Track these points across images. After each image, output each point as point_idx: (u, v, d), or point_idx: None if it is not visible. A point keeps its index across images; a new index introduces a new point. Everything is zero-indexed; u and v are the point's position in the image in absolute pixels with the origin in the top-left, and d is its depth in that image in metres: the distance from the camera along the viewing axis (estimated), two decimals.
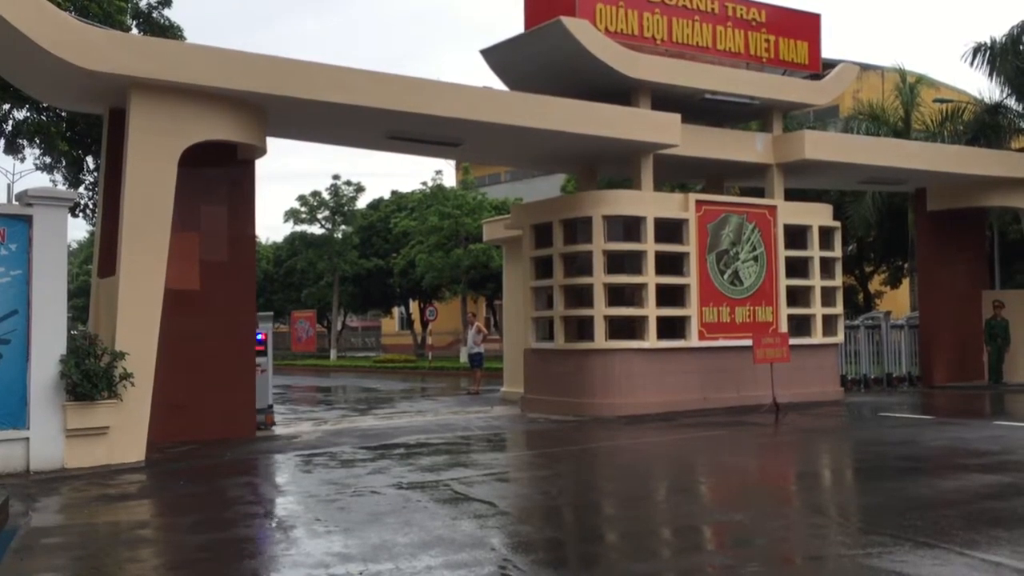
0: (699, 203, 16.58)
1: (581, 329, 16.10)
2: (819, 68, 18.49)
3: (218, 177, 13.98)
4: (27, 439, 10.91)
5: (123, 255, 11.92)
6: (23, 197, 11.21)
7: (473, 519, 7.69)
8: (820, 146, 17.79)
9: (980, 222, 22.86)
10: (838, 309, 18.24)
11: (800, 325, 17.72)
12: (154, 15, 26.48)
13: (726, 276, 16.67)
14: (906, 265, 32.05)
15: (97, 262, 13.64)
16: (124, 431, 11.51)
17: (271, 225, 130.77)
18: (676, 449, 12.18)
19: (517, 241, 18.29)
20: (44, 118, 22.92)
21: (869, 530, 7.00)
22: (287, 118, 13.87)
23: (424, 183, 44.90)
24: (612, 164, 17.77)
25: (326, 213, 47.95)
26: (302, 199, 47.56)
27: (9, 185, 10.76)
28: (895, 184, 21.63)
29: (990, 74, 27.38)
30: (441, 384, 28.12)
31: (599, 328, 15.59)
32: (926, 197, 21.67)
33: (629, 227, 15.95)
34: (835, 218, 28.96)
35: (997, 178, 20.42)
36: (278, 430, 14.59)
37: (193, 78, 12.20)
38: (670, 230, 16.24)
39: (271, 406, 15.13)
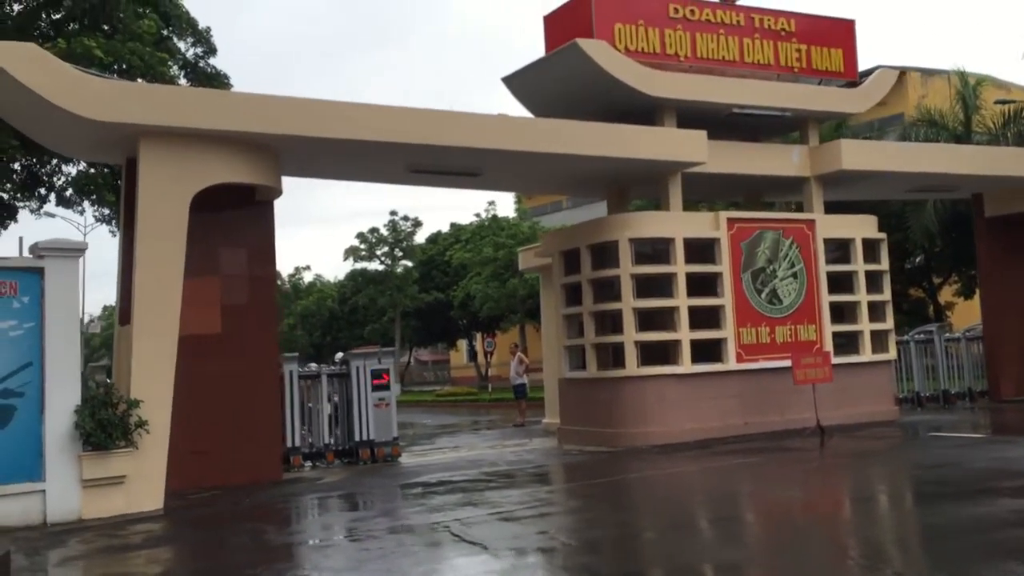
0: (731, 221, 16.04)
1: (615, 356, 15.64)
2: (855, 75, 17.82)
3: (237, 220, 13.99)
4: (43, 491, 10.90)
5: (136, 302, 11.98)
6: (35, 249, 11.32)
7: (455, 561, 7.36)
8: (858, 155, 17.08)
9: None
10: (888, 324, 17.41)
11: (848, 343, 16.96)
12: (200, 64, 27.12)
13: (764, 295, 16.06)
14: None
15: (118, 310, 13.76)
16: (141, 479, 11.47)
17: (335, 265, 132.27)
18: (701, 480, 11.65)
19: (551, 269, 17.97)
20: (93, 171, 23.56)
21: (873, 566, 6.45)
22: (301, 157, 13.87)
23: (477, 215, 44.99)
24: (641, 185, 17.36)
25: (385, 249, 48.32)
26: (361, 236, 48.02)
27: (20, 238, 11.28)
28: (947, 191, 20.70)
29: None
30: (494, 416, 27.80)
31: (630, 354, 15.13)
32: (983, 202, 20.67)
33: (658, 249, 15.50)
34: (896, 229, 28.23)
35: None
36: (305, 473, 14.41)
37: (200, 123, 12.25)
38: (701, 250, 15.73)
39: (396, 439, 15.44)
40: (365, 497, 11.64)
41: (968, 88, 28.70)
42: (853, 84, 18.03)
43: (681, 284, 15.38)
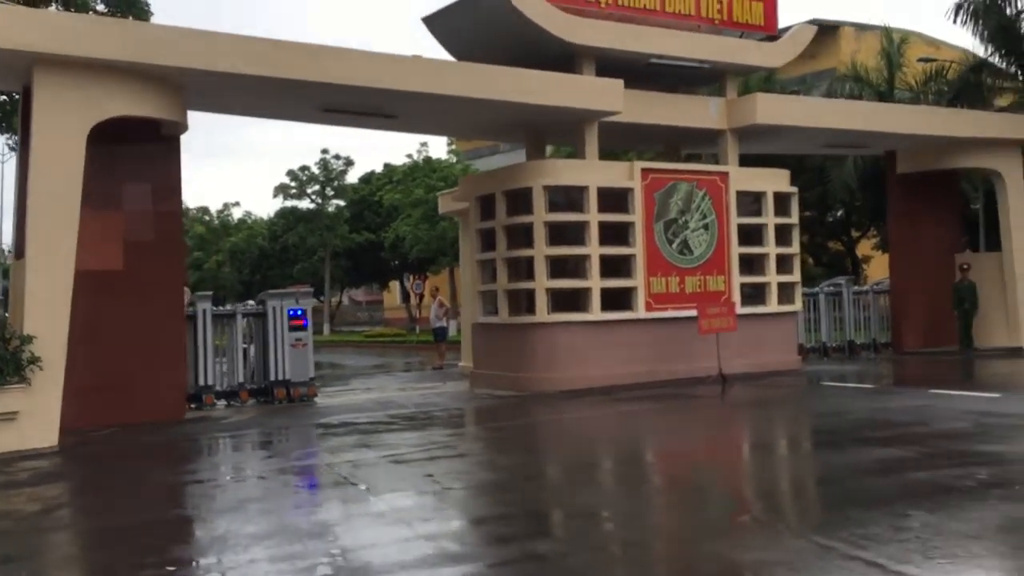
0: (645, 171, 16.15)
1: (527, 302, 15.76)
2: (775, 29, 17.90)
3: (141, 154, 13.66)
4: None
5: (29, 236, 11.68)
6: None
7: (334, 505, 7.45)
8: (773, 110, 17.26)
9: (953, 184, 22.28)
10: (795, 277, 17.78)
11: (755, 294, 17.33)
12: None
13: (675, 245, 16.27)
14: None
15: (14, 244, 13.40)
16: (34, 416, 11.29)
17: (266, 201, 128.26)
18: (598, 425, 11.90)
19: (469, 213, 17.94)
20: (3, 98, 22.75)
21: (720, 513, 6.70)
22: (208, 92, 13.55)
23: (409, 155, 44.59)
24: (559, 133, 17.35)
25: (316, 187, 47.71)
26: (291, 174, 47.33)
27: None
28: (860, 147, 21.11)
29: (973, 31, 26.72)
30: (418, 358, 27.91)
31: (541, 301, 15.26)
32: (896, 159, 21.12)
33: (571, 197, 15.55)
34: (818, 183, 28.72)
35: (968, 139, 19.85)
36: (210, 412, 14.34)
37: (98, 52, 11.86)
38: (615, 199, 15.83)
39: (313, 379, 15.45)
40: (264, 437, 11.66)
41: (892, 45, 29.11)
42: (774, 38, 18.14)
43: (594, 233, 15.49)
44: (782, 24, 18.42)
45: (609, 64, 15.93)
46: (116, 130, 12.39)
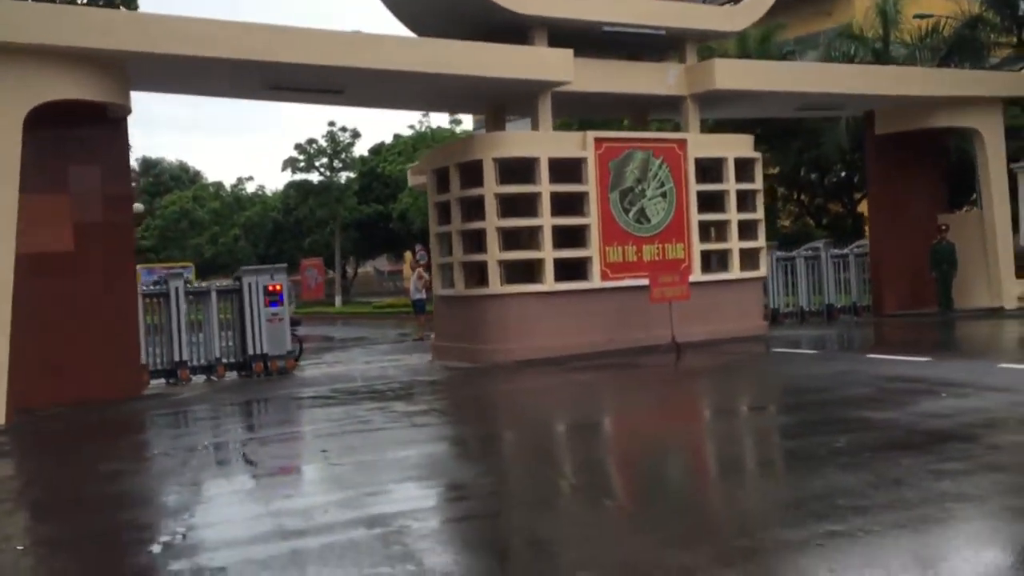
0: (599, 141, 16.07)
1: (482, 274, 15.84)
2: None
3: (88, 137, 13.85)
4: None
5: None
6: None
7: (213, 483, 7.65)
8: (732, 75, 17.03)
9: (936, 144, 21.87)
10: (759, 243, 17.63)
11: (718, 260, 17.26)
12: None
13: (631, 214, 16.22)
14: None
15: None
16: None
17: (276, 175, 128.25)
18: (523, 397, 12.02)
19: None
20: None
21: (560, 483, 6.78)
22: (153, 74, 13.71)
23: (411, 126, 44.57)
24: (515, 105, 17.27)
25: (324, 160, 47.91)
26: (299, 147, 47.54)
27: None
28: (835, 109, 20.78)
29: None
30: (410, 329, 28.08)
31: (493, 273, 15.33)
32: (874, 120, 20.78)
33: (523, 169, 15.55)
34: (814, 145, 28.33)
35: (946, 98, 19.48)
36: (165, 389, 14.64)
37: (32, 38, 12.01)
38: (568, 170, 15.80)
39: (291, 352, 15.93)
40: (201, 414, 11.90)
41: (888, 2, 28.52)
42: (736, 2, 17.86)
43: (546, 204, 15.49)
44: None
45: (562, 33, 15.80)
46: (61, 113, 12.60)
